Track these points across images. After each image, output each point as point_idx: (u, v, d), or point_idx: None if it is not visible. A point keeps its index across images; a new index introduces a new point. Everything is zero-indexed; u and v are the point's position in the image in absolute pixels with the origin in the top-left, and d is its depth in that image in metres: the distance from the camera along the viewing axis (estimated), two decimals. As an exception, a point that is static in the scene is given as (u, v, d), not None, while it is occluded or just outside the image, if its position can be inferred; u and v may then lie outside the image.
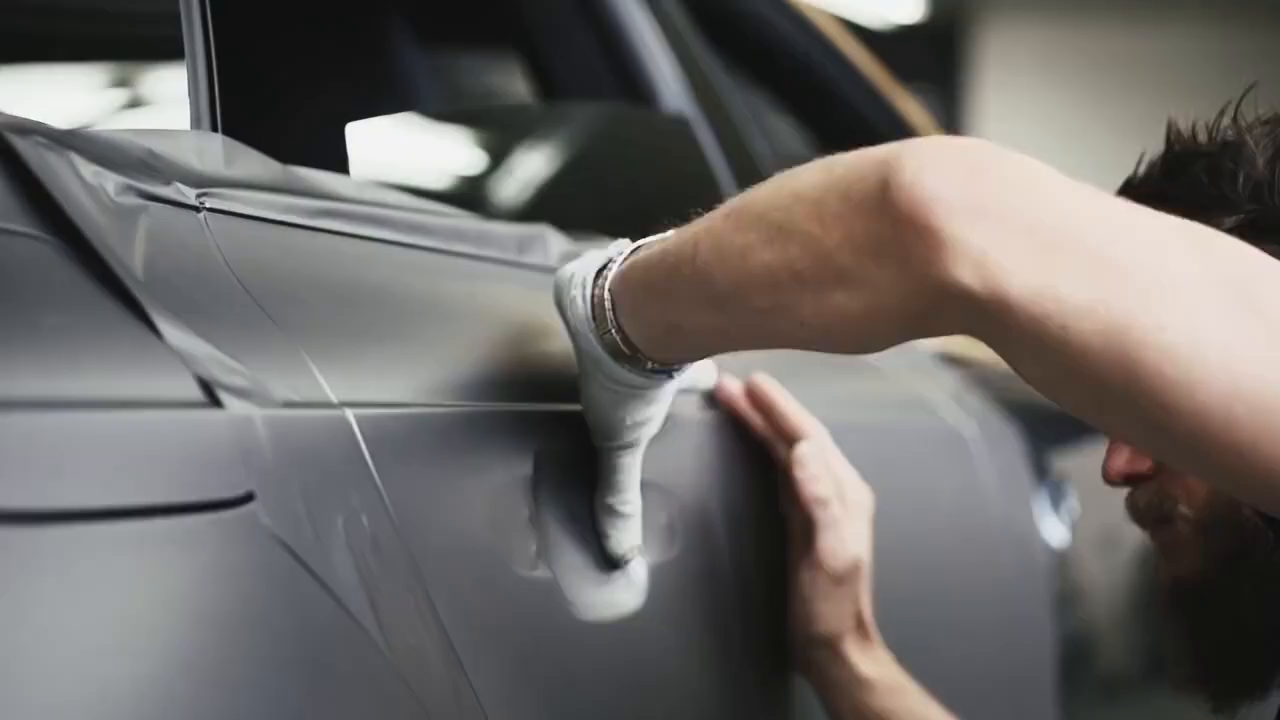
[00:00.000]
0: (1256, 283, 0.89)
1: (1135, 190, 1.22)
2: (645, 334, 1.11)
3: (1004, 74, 9.41)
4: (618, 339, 1.11)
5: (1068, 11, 9.26)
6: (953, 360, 2.21)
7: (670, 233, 1.10)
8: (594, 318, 1.11)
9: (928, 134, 2.57)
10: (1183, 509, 1.22)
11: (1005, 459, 2.05)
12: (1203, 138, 1.23)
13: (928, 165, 0.89)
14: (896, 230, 0.90)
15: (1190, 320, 0.86)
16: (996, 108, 9.39)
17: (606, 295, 1.11)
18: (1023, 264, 0.87)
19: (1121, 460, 1.24)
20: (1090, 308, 0.86)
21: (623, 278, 1.10)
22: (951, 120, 9.16)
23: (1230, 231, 1.15)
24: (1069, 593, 2.24)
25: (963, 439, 1.96)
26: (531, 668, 1.09)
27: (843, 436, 1.45)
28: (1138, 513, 1.26)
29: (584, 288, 1.12)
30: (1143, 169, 1.25)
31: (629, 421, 1.17)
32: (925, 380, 2.04)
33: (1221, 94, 1.24)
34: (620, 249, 1.13)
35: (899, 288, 0.91)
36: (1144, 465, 1.23)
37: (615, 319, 1.11)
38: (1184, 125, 1.24)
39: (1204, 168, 1.20)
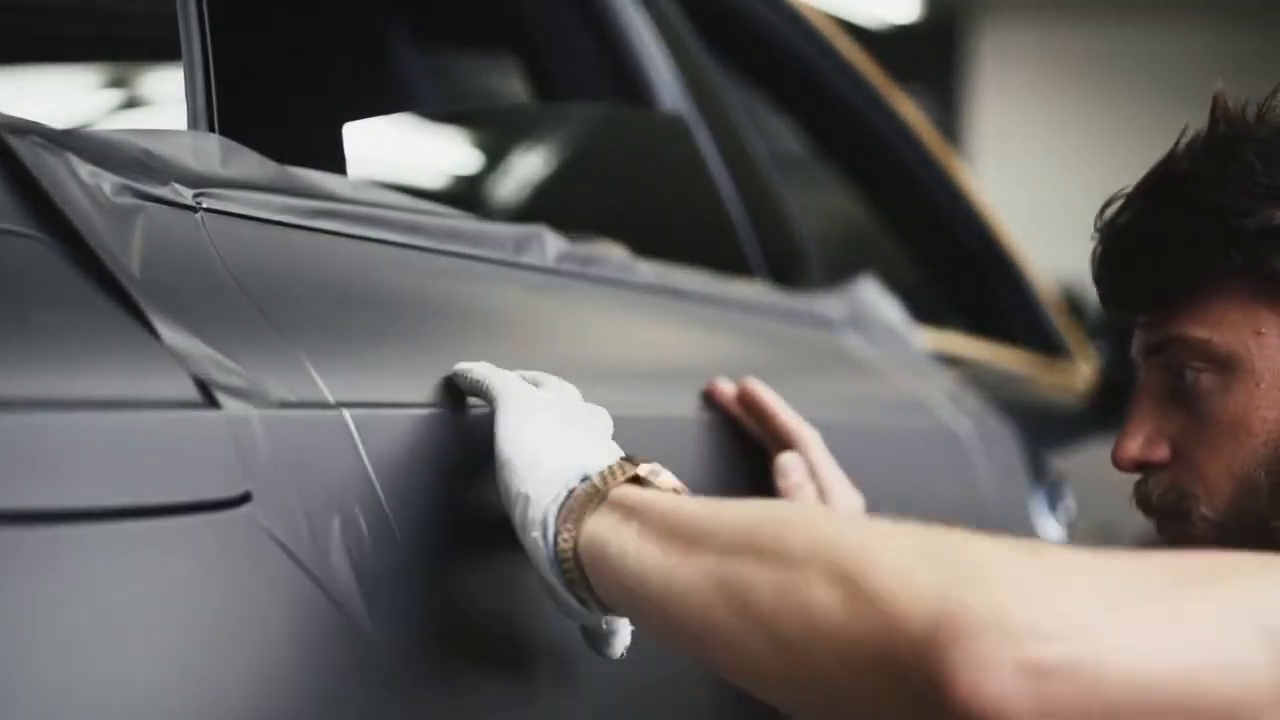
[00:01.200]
0: None
1: (1180, 176, 1.19)
2: (619, 612, 1.01)
3: (1001, 74, 9.42)
4: (589, 599, 1.00)
5: (1064, 11, 9.27)
6: (949, 360, 2.21)
7: (642, 508, 0.98)
8: (560, 567, 1.00)
9: (924, 133, 2.57)
10: (1203, 509, 1.18)
11: (1002, 459, 2.05)
12: (1252, 118, 1.19)
13: (982, 669, 0.80)
14: None
15: None
16: (993, 108, 9.39)
17: (573, 557, 0.99)
18: None
19: (1135, 445, 1.21)
20: None
21: (594, 561, 0.98)
22: (949, 120, 9.17)
23: None
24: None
25: (959, 439, 1.96)
26: (529, 668, 1.10)
27: (838, 437, 1.45)
28: (1147, 504, 1.22)
29: (545, 530, 1.00)
30: (1185, 143, 1.21)
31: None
32: (922, 380, 2.04)
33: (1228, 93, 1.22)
34: (571, 480, 1.01)
35: None
36: (1159, 453, 1.20)
37: (586, 581, 0.99)
38: (1232, 102, 1.21)
39: (1257, 152, 1.17)
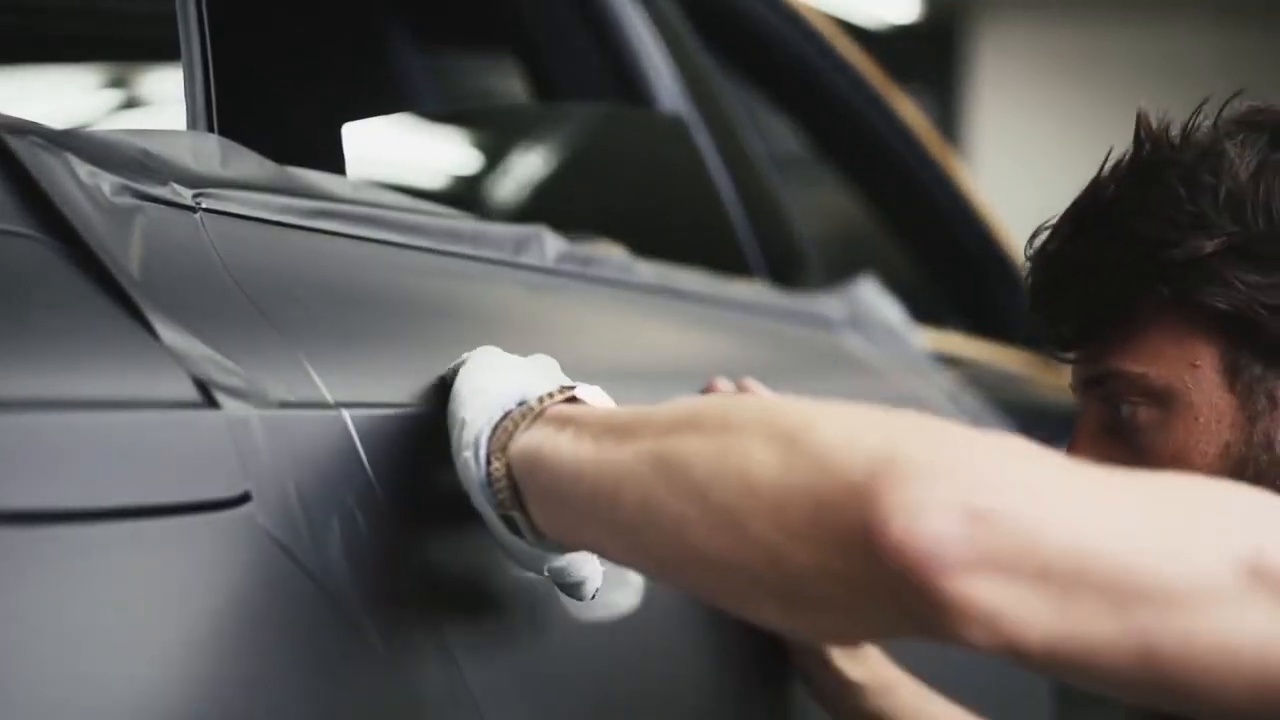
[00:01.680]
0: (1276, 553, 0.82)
1: (1106, 203, 1.16)
2: (556, 531, 0.97)
3: (1000, 73, 9.41)
4: (521, 521, 0.97)
5: (1064, 11, 9.26)
6: (949, 360, 2.21)
7: (579, 416, 0.96)
8: (492, 488, 0.97)
9: (924, 133, 2.57)
10: None
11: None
12: (1177, 139, 1.16)
13: (918, 511, 0.78)
14: (889, 579, 0.79)
15: (1218, 624, 0.80)
16: (992, 107, 9.39)
17: (505, 476, 0.96)
18: (1039, 615, 0.79)
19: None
20: (1114, 640, 0.80)
21: (529, 472, 0.95)
22: (948, 120, 9.17)
23: (1210, 257, 1.10)
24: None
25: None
26: (528, 667, 1.09)
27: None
28: None
29: (476, 449, 0.97)
30: (1110, 167, 1.18)
31: (545, 571, 1.02)
32: (921, 380, 2.04)
33: (1220, 93, 1.21)
34: (507, 403, 0.98)
35: (893, 625, 0.82)
36: None
37: (520, 502, 0.97)
38: (1155, 120, 1.17)
39: (1179, 177, 1.13)
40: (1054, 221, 1.20)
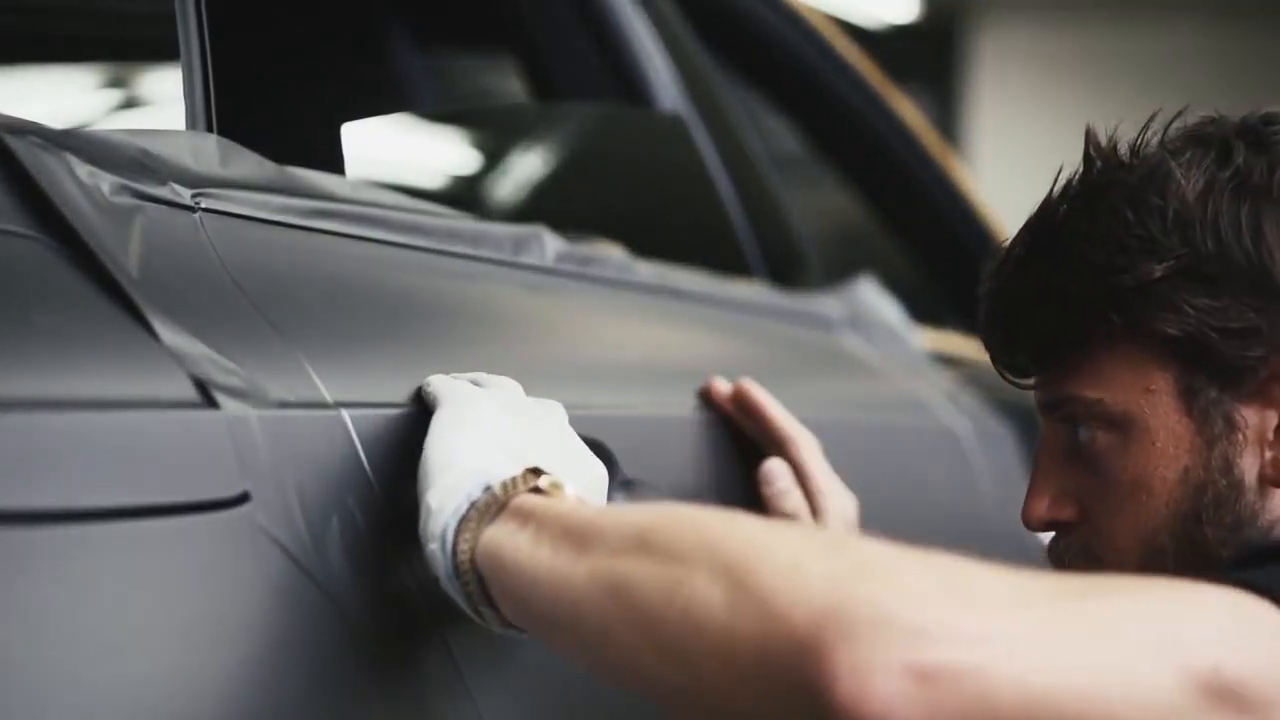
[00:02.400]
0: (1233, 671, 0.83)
1: (1055, 226, 1.14)
2: (523, 625, 0.97)
3: (999, 73, 9.41)
4: (489, 615, 0.98)
5: (1063, 10, 9.26)
6: (947, 360, 2.21)
7: (539, 513, 0.95)
8: (459, 580, 0.97)
9: (923, 133, 2.57)
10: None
11: (1000, 459, 2.05)
12: (1125, 156, 1.14)
13: (866, 673, 0.77)
14: None
15: None
16: (992, 107, 9.38)
17: (471, 569, 0.96)
18: None
19: (1042, 506, 1.16)
20: None
21: (492, 570, 0.95)
22: (947, 120, 9.17)
23: (1160, 281, 1.09)
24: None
25: (957, 439, 1.96)
26: (527, 666, 1.09)
27: (837, 437, 1.45)
28: (1061, 564, 1.17)
29: (443, 542, 0.96)
30: (1059, 188, 1.16)
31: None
32: (920, 380, 2.04)
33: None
34: (473, 490, 0.98)
35: None
36: (1066, 512, 1.16)
37: (485, 594, 0.97)
38: (1104, 137, 1.15)
39: (1126, 199, 1.12)
40: (1008, 245, 1.18)
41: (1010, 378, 1.20)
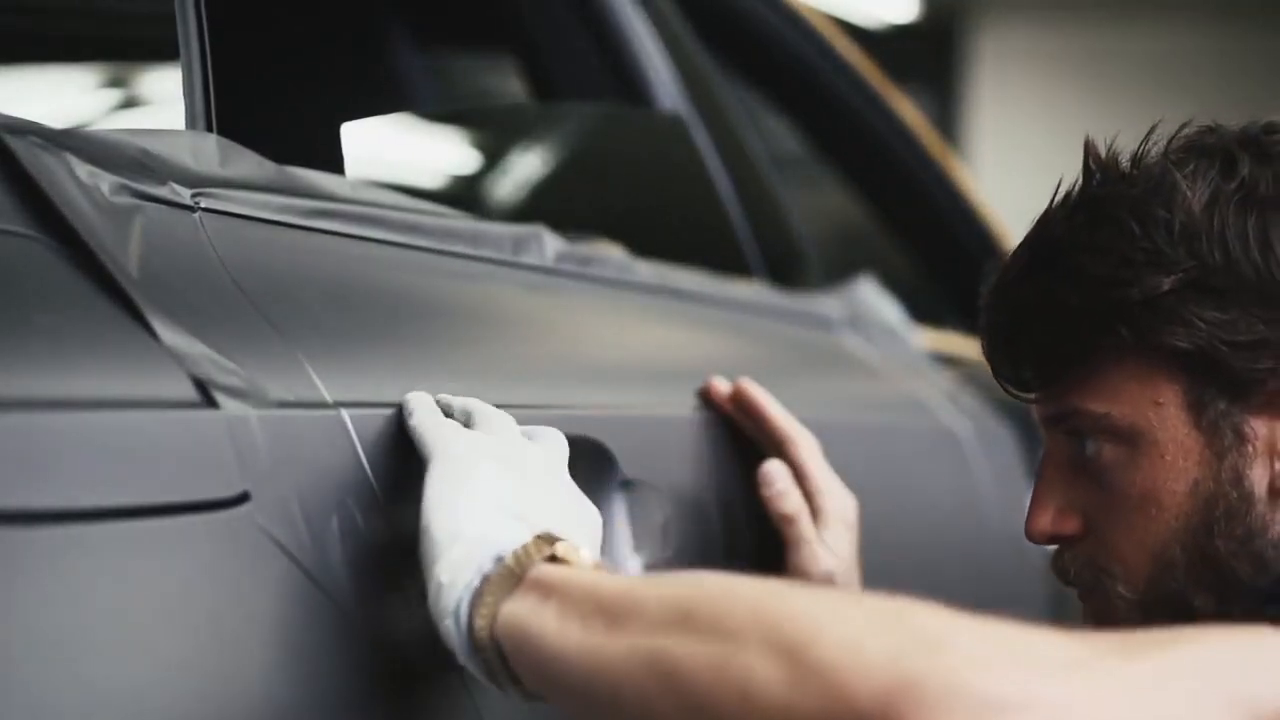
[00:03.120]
0: None
1: (1057, 240, 1.13)
2: (551, 699, 0.95)
3: (999, 73, 9.41)
4: (512, 685, 0.95)
5: (1063, 10, 9.26)
6: (948, 360, 2.21)
7: (561, 586, 0.92)
8: (479, 656, 0.94)
9: (923, 133, 2.57)
10: (1121, 589, 1.13)
11: (1000, 459, 2.05)
12: (1126, 168, 1.12)
13: None
14: None
15: None
16: (992, 107, 9.38)
17: (490, 643, 0.94)
18: None
19: (1046, 519, 1.16)
20: None
21: (516, 647, 0.93)
22: (947, 119, 9.17)
23: (1168, 295, 1.07)
24: (1064, 593, 2.23)
25: (957, 439, 1.96)
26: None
27: (836, 437, 1.45)
28: (1066, 577, 1.17)
29: (458, 618, 0.94)
30: (1059, 200, 1.14)
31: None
32: (920, 380, 2.04)
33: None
34: (484, 563, 0.95)
35: None
36: (1070, 526, 1.15)
37: (507, 669, 0.94)
38: (1104, 149, 1.14)
39: (1130, 212, 1.09)
40: (1009, 258, 1.17)
41: (1014, 391, 1.18)
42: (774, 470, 1.38)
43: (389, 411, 1.03)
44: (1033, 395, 1.18)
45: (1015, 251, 1.17)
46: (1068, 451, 1.15)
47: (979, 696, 0.78)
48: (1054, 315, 1.13)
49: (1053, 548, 1.18)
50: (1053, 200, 1.15)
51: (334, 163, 1.41)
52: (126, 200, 0.96)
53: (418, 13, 2.33)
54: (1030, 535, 1.17)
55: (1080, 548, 1.15)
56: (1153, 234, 1.09)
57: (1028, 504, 1.17)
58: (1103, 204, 1.12)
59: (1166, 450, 1.11)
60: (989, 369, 1.20)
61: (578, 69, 1.98)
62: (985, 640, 0.81)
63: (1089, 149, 1.14)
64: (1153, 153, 1.13)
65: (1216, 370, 1.09)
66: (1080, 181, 1.15)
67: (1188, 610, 1.10)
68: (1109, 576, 1.13)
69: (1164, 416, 1.11)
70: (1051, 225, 1.14)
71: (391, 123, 1.94)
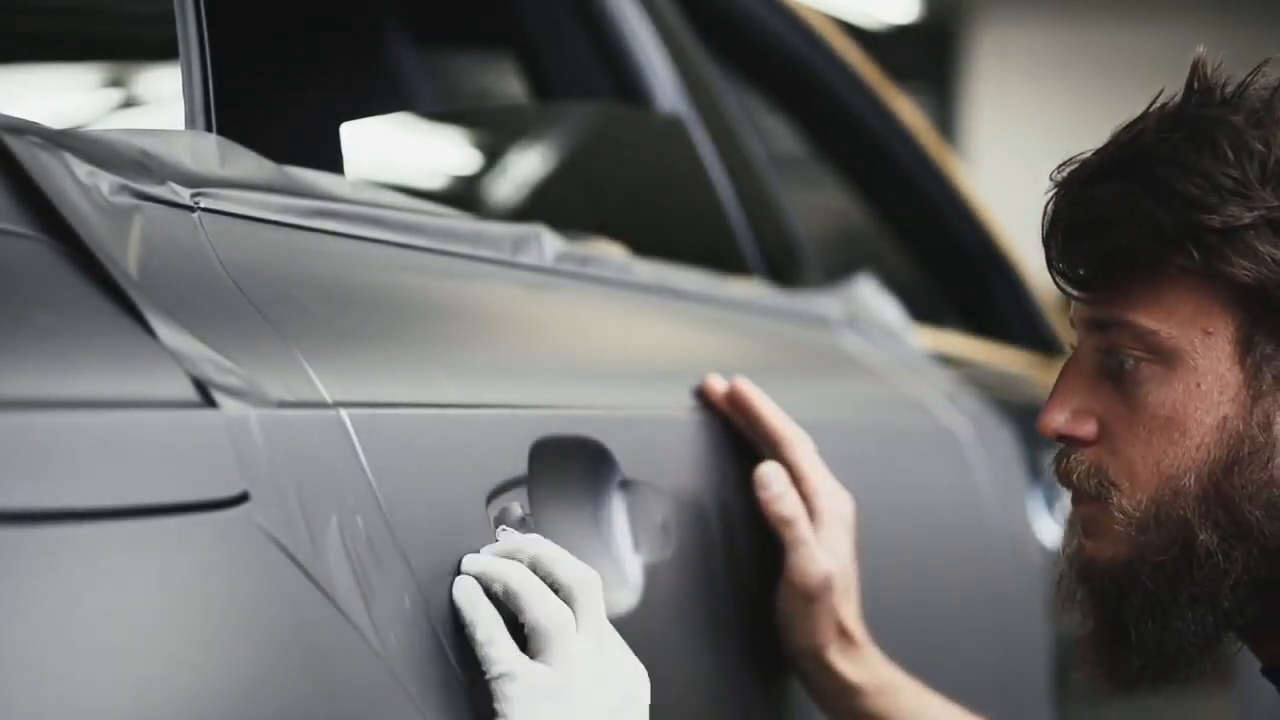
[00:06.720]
0: None
1: (1145, 149, 1.12)
2: None
3: (998, 73, 9.42)
4: None
5: (1063, 11, 9.27)
6: (948, 360, 2.21)
7: None
8: None
9: (922, 133, 2.57)
10: (1123, 502, 1.13)
11: (999, 459, 2.05)
12: (1230, 94, 1.11)
13: None
14: None
15: None
16: (991, 108, 9.39)
17: None
18: None
19: (1061, 418, 1.16)
20: None
21: None
22: (946, 120, 9.17)
23: (1246, 228, 1.08)
24: (1061, 593, 2.23)
25: (956, 439, 1.96)
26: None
27: (835, 437, 1.45)
28: (1067, 479, 1.17)
29: None
30: (1155, 110, 1.13)
31: None
32: (919, 380, 2.04)
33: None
34: None
35: None
36: (1086, 429, 1.15)
37: None
38: (1212, 72, 1.13)
39: (1229, 139, 1.09)
40: (1086, 155, 1.16)
41: (1063, 285, 1.17)
42: (770, 473, 1.37)
43: (389, 411, 1.03)
44: (1080, 294, 1.16)
45: (1098, 150, 1.16)
46: (1097, 358, 1.15)
47: None
48: (1129, 222, 1.12)
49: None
50: (1149, 108, 1.14)
51: (334, 163, 1.41)
52: (126, 200, 0.96)
53: (417, 13, 2.34)
54: (1042, 428, 1.17)
55: (1088, 453, 1.16)
56: (1245, 165, 1.09)
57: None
58: (1202, 124, 1.11)
59: (1204, 379, 1.11)
60: (1044, 259, 1.18)
61: (577, 69, 1.98)
62: None
63: (1197, 65, 1.13)
64: (1256, 86, 1.12)
65: (1273, 313, 1.10)
66: (1179, 96, 1.14)
67: (1186, 540, 1.11)
68: (1114, 488, 1.14)
69: (1210, 346, 1.11)
70: (1141, 133, 1.13)
71: (391, 123, 1.94)
